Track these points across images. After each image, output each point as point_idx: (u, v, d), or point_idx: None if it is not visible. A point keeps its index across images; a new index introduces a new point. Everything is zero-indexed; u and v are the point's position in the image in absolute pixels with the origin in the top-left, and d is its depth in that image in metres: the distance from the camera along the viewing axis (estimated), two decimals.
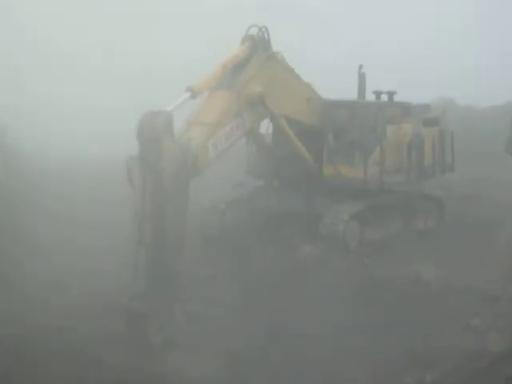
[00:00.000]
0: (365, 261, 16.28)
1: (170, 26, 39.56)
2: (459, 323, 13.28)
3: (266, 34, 16.08)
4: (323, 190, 17.66)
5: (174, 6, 40.55)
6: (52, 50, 38.24)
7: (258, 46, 15.94)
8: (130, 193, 13.07)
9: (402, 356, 12.43)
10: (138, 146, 13.06)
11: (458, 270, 15.69)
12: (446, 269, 15.76)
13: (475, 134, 26.01)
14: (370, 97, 18.91)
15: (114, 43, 37.91)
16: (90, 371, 11.71)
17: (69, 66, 37.39)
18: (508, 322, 12.89)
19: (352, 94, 19.02)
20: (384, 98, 18.72)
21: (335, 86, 18.46)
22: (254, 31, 16.00)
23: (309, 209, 17.66)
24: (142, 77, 35.18)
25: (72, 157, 27.06)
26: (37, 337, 12.30)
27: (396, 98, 18.65)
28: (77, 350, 12.15)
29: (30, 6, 37.73)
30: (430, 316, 13.66)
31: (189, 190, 13.54)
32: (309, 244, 16.58)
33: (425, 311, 13.89)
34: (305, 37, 41.27)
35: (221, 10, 40.04)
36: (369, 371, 12.29)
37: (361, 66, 18.77)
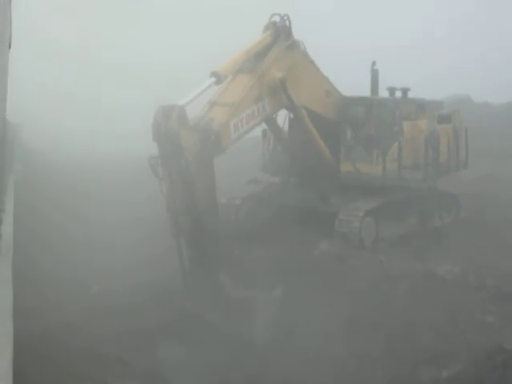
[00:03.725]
0: (380, 257, 16.33)
1: (183, 25, 39.97)
2: (474, 320, 13.31)
3: (287, 22, 16.16)
4: (339, 187, 17.70)
5: (185, 5, 40.95)
6: (64, 49, 38.53)
7: (280, 33, 16.03)
8: (155, 190, 13.24)
9: (417, 353, 12.48)
10: (157, 145, 13.19)
11: (473, 267, 15.70)
12: (461, 265, 15.77)
13: (491, 131, 25.95)
14: (382, 93, 18.85)
15: (128, 42, 38.21)
16: (107, 370, 11.79)
17: (81, 64, 37.70)
18: None
19: (363, 91, 18.96)
20: (398, 94, 18.70)
21: (347, 82, 18.34)
22: (276, 19, 16.06)
23: (325, 205, 17.70)
24: (155, 75, 35.44)
25: (87, 154, 27.18)
26: (52, 334, 12.37)
27: (409, 95, 18.65)
28: (91, 348, 12.21)
29: (43, 6, 38.13)
30: (445, 312, 13.69)
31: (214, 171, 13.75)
32: (325, 241, 16.62)
33: (440, 308, 13.91)
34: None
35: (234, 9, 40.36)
36: (385, 369, 12.36)
37: (374, 63, 18.63)
